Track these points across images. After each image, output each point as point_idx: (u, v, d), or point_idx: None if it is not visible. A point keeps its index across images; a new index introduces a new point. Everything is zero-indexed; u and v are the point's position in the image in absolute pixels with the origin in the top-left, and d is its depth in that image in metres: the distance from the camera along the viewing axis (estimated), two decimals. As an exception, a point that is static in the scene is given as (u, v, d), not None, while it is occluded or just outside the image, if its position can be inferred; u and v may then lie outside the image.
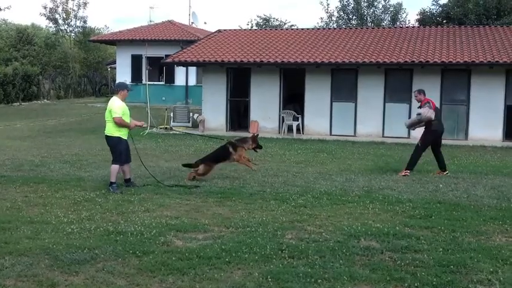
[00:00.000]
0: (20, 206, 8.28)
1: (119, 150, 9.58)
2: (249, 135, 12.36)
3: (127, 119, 9.62)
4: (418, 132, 18.86)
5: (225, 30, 24.49)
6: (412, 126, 12.31)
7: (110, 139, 9.64)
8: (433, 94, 18.77)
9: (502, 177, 11.24)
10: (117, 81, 32.65)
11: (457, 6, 31.83)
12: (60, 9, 43.22)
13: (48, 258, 5.85)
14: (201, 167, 10.58)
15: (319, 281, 5.25)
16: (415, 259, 5.89)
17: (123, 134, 9.61)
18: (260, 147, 11.40)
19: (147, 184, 9.86)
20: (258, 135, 11.71)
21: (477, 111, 18.34)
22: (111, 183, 9.43)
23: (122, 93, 9.70)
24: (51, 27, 45.59)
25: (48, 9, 42.97)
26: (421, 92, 11.94)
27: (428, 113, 11.43)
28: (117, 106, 9.51)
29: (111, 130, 9.58)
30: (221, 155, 10.95)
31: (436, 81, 18.53)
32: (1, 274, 5.40)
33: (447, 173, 11.54)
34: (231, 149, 10.87)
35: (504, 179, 11.03)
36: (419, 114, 11.60)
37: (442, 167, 11.71)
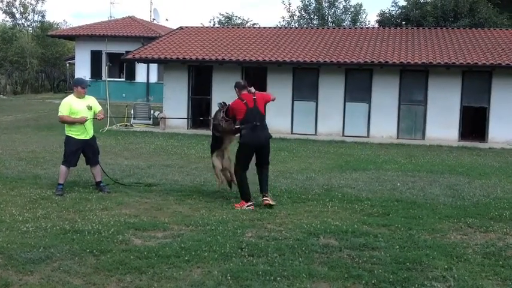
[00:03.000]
0: (-27, 204, 8.03)
1: (65, 151, 9.10)
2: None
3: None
4: (379, 131, 19.09)
5: (187, 27, 24.33)
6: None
7: None
8: (392, 94, 19.14)
9: (457, 176, 11.51)
10: (75, 77, 32.13)
11: (415, 8, 32.43)
12: (17, 3, 42.15)
13: (2, 257, 5.69)
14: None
15: (278, 278, 5.27)
16: (373, 256, 5.98)
17: (75, 133, 8.99)
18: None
19: (107, 184, 9.62)
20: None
21: (434, 112, 18.71)
22: (58, 184, 9.01)
23: (77, 90, 9.11)
24: (8, 21, 44.44)
25: (5, 3, 41.86)
26: (236, 86, 8.87)
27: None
28: (62, 104, 9.01)
29: (65, 128, 9.15)
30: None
31: (394, 82, 18.84)
32: (-48, 274, 5.23)
33: (266, 201, 8.19)
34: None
35: (459, 177, 11.30)
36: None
37: (263, 189, 8.36)
